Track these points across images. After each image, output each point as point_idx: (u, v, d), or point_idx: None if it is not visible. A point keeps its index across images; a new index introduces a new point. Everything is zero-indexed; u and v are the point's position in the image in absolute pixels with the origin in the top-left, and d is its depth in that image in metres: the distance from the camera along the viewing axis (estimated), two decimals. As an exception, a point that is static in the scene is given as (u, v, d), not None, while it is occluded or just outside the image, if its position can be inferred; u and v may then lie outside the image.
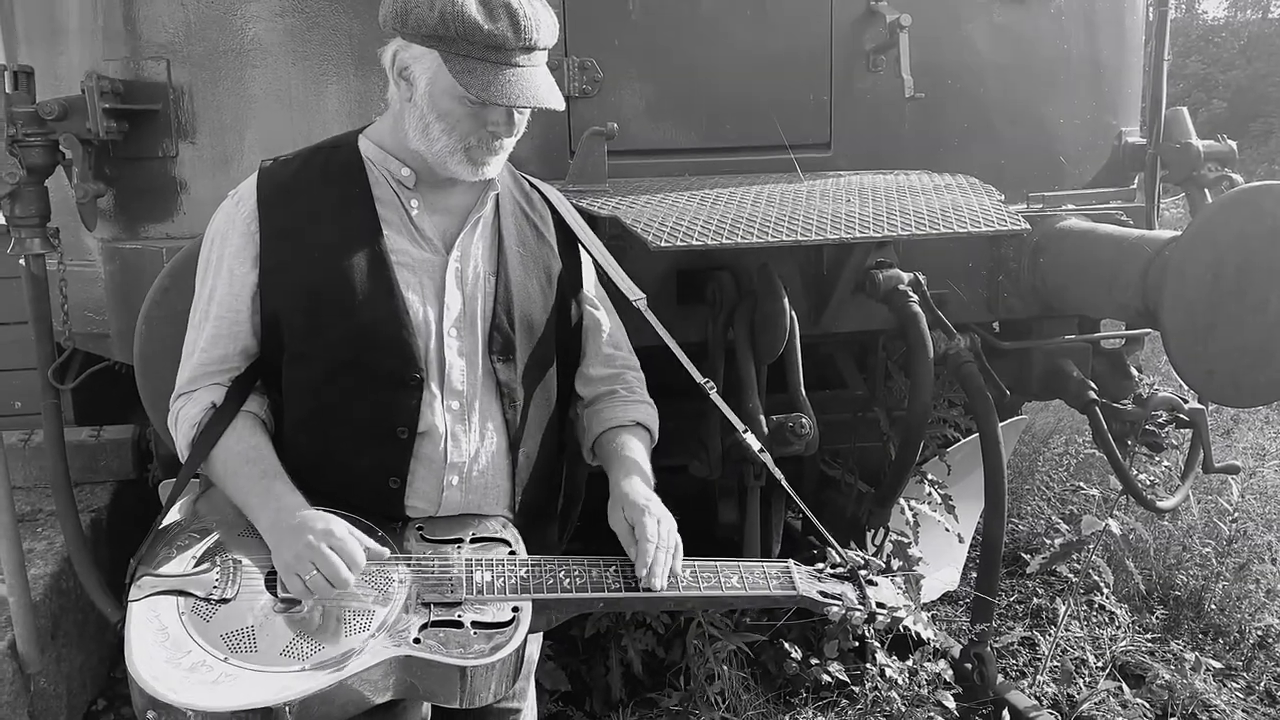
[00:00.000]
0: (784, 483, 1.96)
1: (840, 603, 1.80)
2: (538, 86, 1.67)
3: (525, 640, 1.64)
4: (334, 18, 2.61)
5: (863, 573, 1.87)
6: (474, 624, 1.61)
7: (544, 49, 1.70)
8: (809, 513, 1.94)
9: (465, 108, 1.68)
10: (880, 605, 1.81)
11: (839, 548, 1.91)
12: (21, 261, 2.62)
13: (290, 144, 1.95)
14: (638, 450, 1.89)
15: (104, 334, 2.80)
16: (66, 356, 2.82)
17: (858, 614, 1.79)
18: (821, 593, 1.81)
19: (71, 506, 2.82)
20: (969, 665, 3.02)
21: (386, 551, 1.67)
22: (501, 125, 1.71)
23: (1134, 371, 3.11)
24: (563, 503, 2.13)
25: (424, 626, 1.60)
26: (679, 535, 1.79)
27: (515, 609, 1.65)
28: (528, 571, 1.71)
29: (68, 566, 3.07)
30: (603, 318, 1.99)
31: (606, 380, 1.98)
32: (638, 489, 1.80)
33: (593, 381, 1.98)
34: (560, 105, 1.70)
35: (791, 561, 1.86)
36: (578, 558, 1.76)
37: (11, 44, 3.06)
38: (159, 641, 1.52)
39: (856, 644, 3.22)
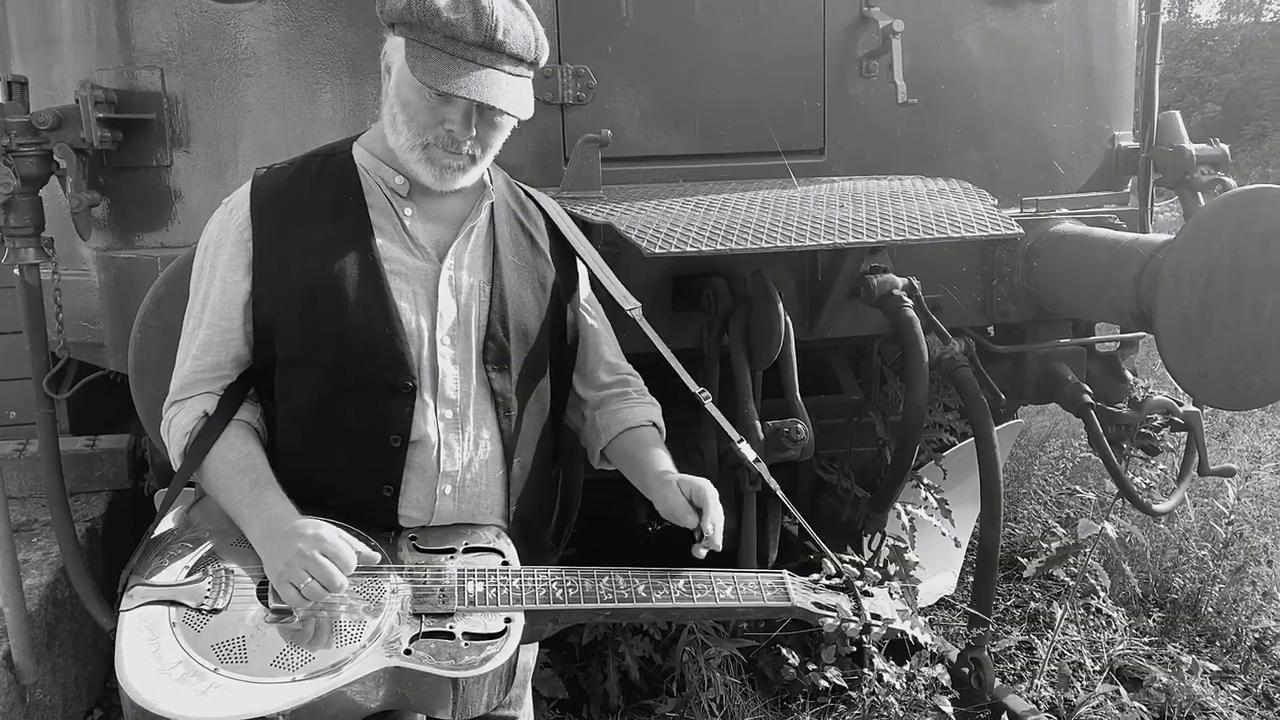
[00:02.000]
0: (779, 493, 1.95)
1: (835, 614, 1.79)
2: (493, 86, 1.64)
3: (518, 650, 1.64)
4: (327, 27, 2.61)
5: (858, 584, 1.86)
6: (465, 634, 1.61)
7: (513, 53, 1.67)
8: (805, 524, 1.94)
9: (424, 100, 1.67)
10: (875, 617, 1.81)
11: (834, 558, 1.91)
12: (16, 271, 2.62)
13: (285, 152, 1.95)
14: (663, 449, 1.92)
15: (99, 343, 2.80)
16: (61, 366, 2.82)
17: (852, 626, 1.78)
18: (816, 604, 1.80)
19: (66, 516, 2.82)
20: (966, 670, 3.02)
21: (377, 556, 1.67)
22: (457, 125, 1.68)
23: (1129, 375, 3.12)
24: (558, 511, 2.13)
25: (415, 637, 1.60)
26: None
27: (507, 619, 1.65)
28: (520, 582, 1.71)
29: (63, 577, 3.06)
30: (599, 325, 2.00)
31: (613, 385, 1.99)
32: (685, 474, 1.85)
33: (600, 387, 1.99)
34: (522, 114, 1.68)
35: (786, 572, 1.85)
36: (570, 568, 1.76)
37: (5, 54, 3.06)
38: (150, 652, 1.52)
39: (854, 649, 3.22)
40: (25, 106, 2.54)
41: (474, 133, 1.70)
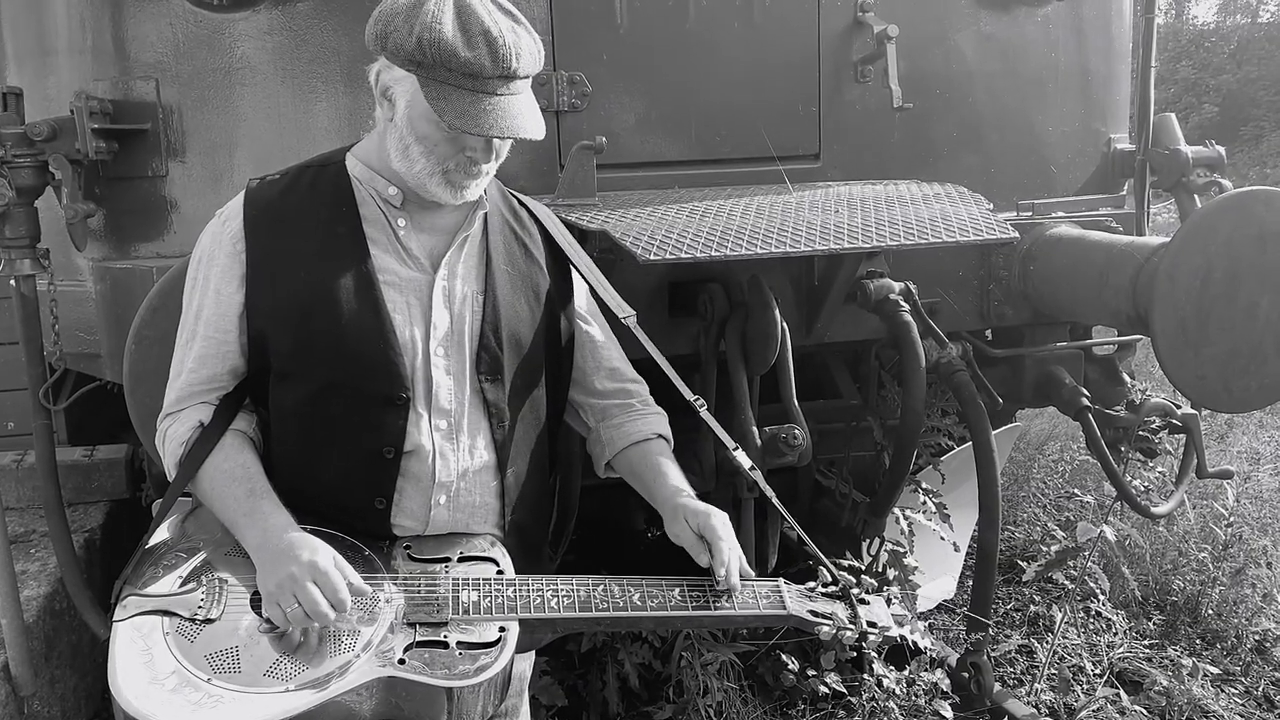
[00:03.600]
0: (774, 500, 1.95)
1: (831, 622, 1.78)
2: (515, 116, 1.65)
3: (513, 659, 1.64)
4: (322, 35, 2.61)
5: (854, 591, 1.85)
6: (459, 644, 1.61)
7: (524, 77, 1.68)
8: (801, 531, 1.94)
9: (442, 132, 1.66)
10: (871, 624, 1.80)
11: (830, 566, 1.90)
12: (12, 282, 2.62)
13: (280, 162, 1.95)
14: (673, 465, 1.91)
15: (95, 354, 2.79)
16: (58, 377, 2.81)
17: (848, 633, 1.78)
18: (812, 612, 1.80)
19: (64, 527, 2.81)
20: (966, 674, 3.01)
21: (369, 590, 1.66)
22: (480, 151, 1.70)
23: (1126, 377, 3.11)
24: (556, 519, 2.12)
25: (409, 646, 1.60)
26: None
27: (502, 629, 1.64)
28: (514, 591, 1.70)
29: (61, 588, 3.06)
30: (597, 332, 1.98)
31: (616, 394, 1.97)
32: (693, 500, 1.83)
33: (602, 394, 1.97)
34: (539, 135, 1.68)
35: (781, 580, 1.84)
36: (565, 577, 1.75)
37: (0, 65, 3.06)
38: (143, 662, 1.52)
39: (854, 655, 3.21)
40: (20, 117, 2.54)
41: (494, 154, 1.72)
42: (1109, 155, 3.29)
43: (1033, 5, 3.08)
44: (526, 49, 1.66)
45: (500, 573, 1.74)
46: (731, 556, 1.76)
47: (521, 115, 1.66)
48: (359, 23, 1.75)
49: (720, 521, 1.78)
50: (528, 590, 1.71)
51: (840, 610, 1.81)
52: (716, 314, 2.62)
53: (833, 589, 1.86)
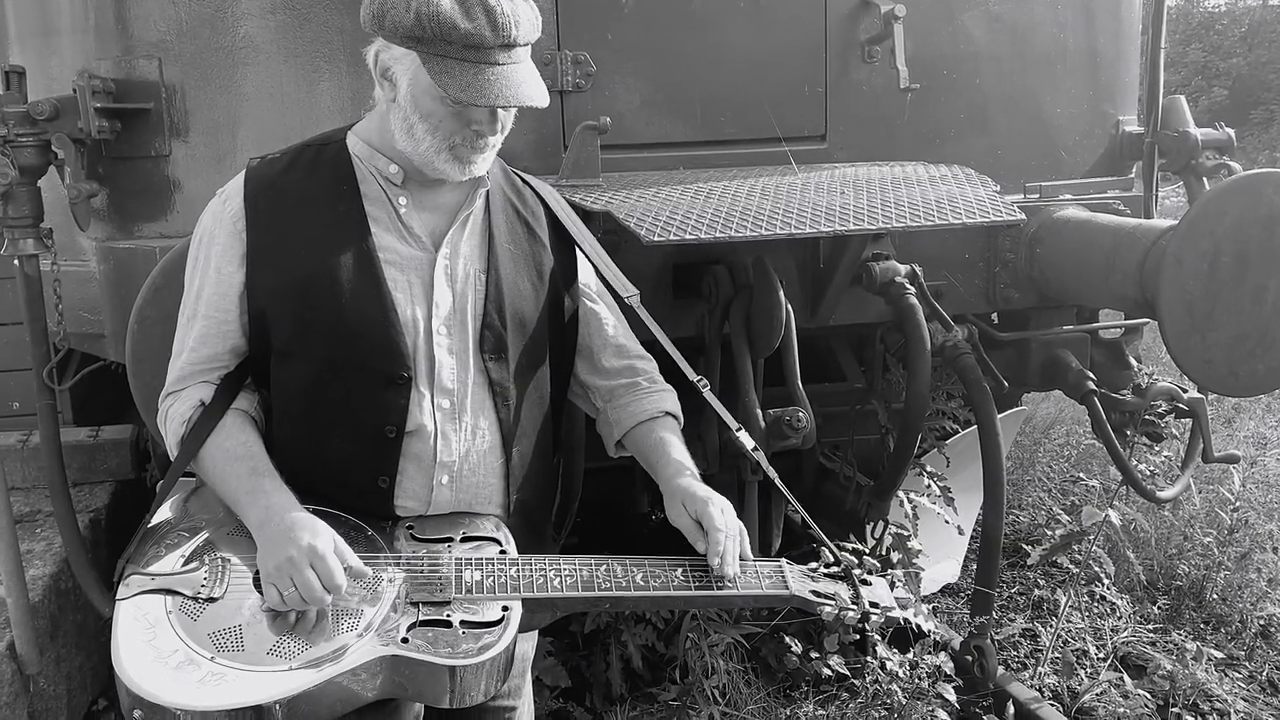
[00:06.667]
0: (778, 481, 1.94)
1: (833, 603, 1.78)
2: (519, 84, 1.64)
3: (515, 639, 1.64)
4: (325, 14, 2.60)
5: (856, 572, 1.85)
6: (463, 623, 1.61)
7: (525, 45, 1.67)
8: (803, 511, 1.93)
9: (447, 108, 1.66)
10: (873, 605, 1.80)
11: (832, 547, 1.90)
12: (15, 262, 2.62)
13: (283, 141, 1.94)
14: (676, 442, 1.91)
15: (99, 334, 2.80)
16: (62, 357, 2.82)
17: (851, 614, 1.78)
18: (814, 592, 1.80)
19: (68, 507, 2.82)
20: (970, 657, 3.01)
21: (368, 572, 1.66)
22: (485, 124, 1.69)
23: (1133, 361, 3.10)
24: (560, 499, 2.12)
25: (412, 626, 1.60)
26: (739, 521, 1.81)
27: (505, 608, 1.65)
28: (518, 571, 1.70)
29: (66, 567, 3.07)
30: (604, 310, 1.98)
31: (624, 372, 1.96)
32: (694, 483, 1.83)
33: (609, 373, 1.96)
34: (544, 103, 1.68)
35: (784, 560, 1.84)
36: (569, 557, 1.75)
37: (3, 44, 3.06)
38: (146, 640, 1.52)
39: (857, 637, 3.22)
40: (23, 96, 2.54)
41: (499, 125, 1.71)
42: (1117, 137, 3.27)
43: (1042, -15, 3.05)
44: (525, 16, 1.65)
45: (503, 553, 1.74)
46: (728, 546, 1.75)
47: (525, 83, 1.65)
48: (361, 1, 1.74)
49: (718, 510, 1.77)
50: (531, 570, 1.71)
51: (843, 591, 1.81)
52: (721, 296, 2.61)
53: (835, 570, 1.86)
